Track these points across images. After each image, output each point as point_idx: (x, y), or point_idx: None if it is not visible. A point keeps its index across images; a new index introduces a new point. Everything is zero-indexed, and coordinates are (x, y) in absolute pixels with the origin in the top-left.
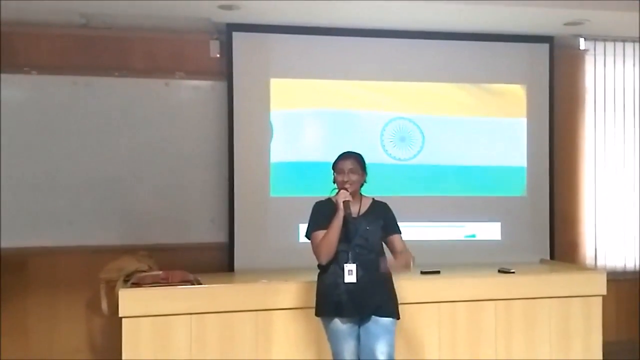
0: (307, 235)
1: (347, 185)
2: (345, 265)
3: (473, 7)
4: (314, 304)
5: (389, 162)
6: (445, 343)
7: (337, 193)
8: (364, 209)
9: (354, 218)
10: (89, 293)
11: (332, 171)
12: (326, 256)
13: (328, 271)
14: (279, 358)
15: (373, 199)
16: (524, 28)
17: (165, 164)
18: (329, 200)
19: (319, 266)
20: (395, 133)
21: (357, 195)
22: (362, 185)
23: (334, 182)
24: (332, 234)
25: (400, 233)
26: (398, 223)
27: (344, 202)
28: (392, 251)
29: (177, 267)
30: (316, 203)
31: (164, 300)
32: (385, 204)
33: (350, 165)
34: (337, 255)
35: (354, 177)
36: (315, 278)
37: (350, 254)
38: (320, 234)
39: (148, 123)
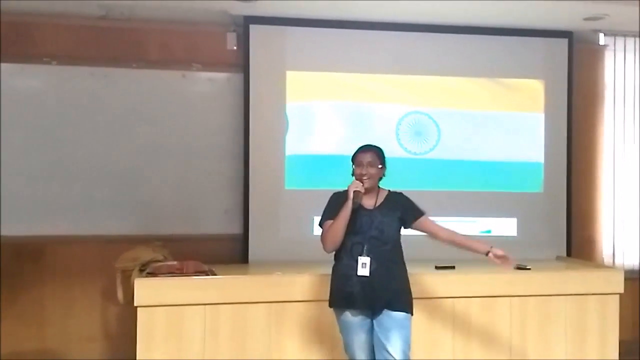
0: (320, 224)
1: (364, 178)
2: (359, 257)
3: (492, 1)
4: (327, 297)
5: (404, 156)
6: (460, 339)
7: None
8: (380, 201)
9: (370, 210)
10: (104, 282)
11: (351, 163)
12: (331, 245)
13: (342, 263)
14: (292, 350)
15: (389, 190)
16: (542, 23)
17: (181, 155)
18: (345, 192)
19: (335, 257)
20: (411, 127)
21: (374, 188)
22: (380, 178)
23: (352, 175)
24: (338, 223)
25: (425, 213)
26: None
27: (354, 192)
28: (431, 233)
29: (191, 257)
30: (333, 194)
31: (178, 290)
32: (401, 192)
33: (369, 158)
34: (352, 247)
35: (372, 171)
36: (329, 271)
37: (365, 247)
38: (330, 223)
39: (164, 114)
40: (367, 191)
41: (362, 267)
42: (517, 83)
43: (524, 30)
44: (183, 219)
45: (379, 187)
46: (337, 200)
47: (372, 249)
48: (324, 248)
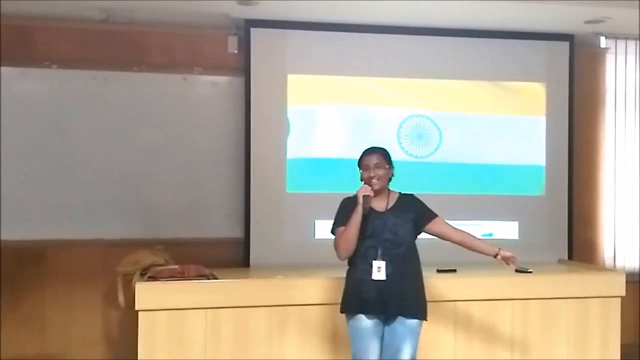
0: (332, 231)
1: (374, 181)
2: (374, 261)
3: (493, 5)
4: (329, 301)
5: (405, 159)
6: (461, 342)
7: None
8: (391, 203)
9: (382, 213)
10: (106, 286)
11: (358, 168)
12: (344, 252)
13: (357, 268)
14: (294, 353)
15: (400, 192)
16: (544, 26)
17: (182, 159)
18: (356, 196)
19: (349, 262)
20: (413, 130)
21: (385, 190)
22: (389, 179)
23: (361, 180)
24: (350, 229)
25: (438, 215)
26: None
27: (363, 196)
28: (444, 236)
29: (192, 261)
30: (344, 199)
31: (179, 294)
32: (412, 194)
33: (376, 160)
34: (366, 251)
35: (380, 172)
36: (331, 274)
37: (379, 250)
38: (342, 230)
39: (166, 118)
40: (378, 193)
41: (378, 271)
42: (518, 86)
43: (526, 33)
44: (184, 222)
45: (389, 189)
46: (347, 206)
47: (387, 252)
48: (338, 255)
